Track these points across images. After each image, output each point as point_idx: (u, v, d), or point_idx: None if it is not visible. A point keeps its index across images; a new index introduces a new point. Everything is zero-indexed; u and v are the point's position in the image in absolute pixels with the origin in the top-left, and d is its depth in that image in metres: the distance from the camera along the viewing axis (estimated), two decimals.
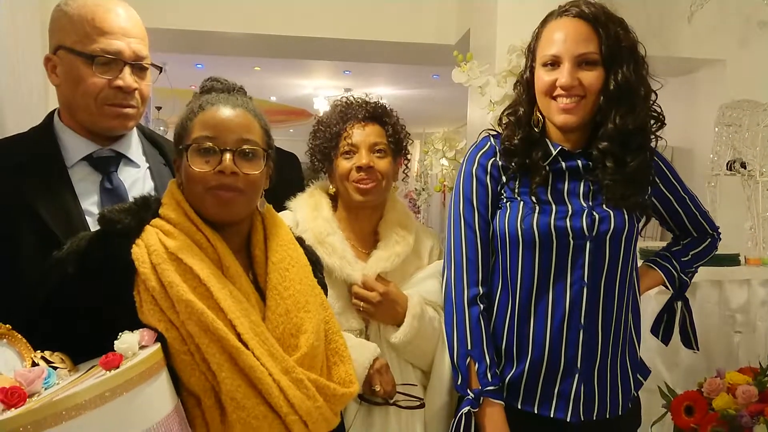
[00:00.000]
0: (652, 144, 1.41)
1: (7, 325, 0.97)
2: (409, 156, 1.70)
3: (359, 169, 1.52)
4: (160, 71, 1.36)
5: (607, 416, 1.39)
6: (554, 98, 1.34)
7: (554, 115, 1.35)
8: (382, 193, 1.57)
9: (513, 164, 1.39)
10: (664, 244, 1.68)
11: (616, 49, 1.32)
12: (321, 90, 7.70)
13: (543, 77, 1.35)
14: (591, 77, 1.32)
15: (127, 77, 1.26)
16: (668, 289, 1.61)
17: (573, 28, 1.33)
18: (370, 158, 1.52)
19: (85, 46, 1.23)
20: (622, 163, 1.34)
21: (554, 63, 1.34)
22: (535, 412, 1.38)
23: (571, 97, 1.32)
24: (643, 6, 3.07)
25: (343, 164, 1.54)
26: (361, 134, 1.55)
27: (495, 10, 2.61)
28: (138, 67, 1.29)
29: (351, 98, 1.62)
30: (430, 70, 6.03)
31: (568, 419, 1.36)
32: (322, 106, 7.85)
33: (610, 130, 1.33)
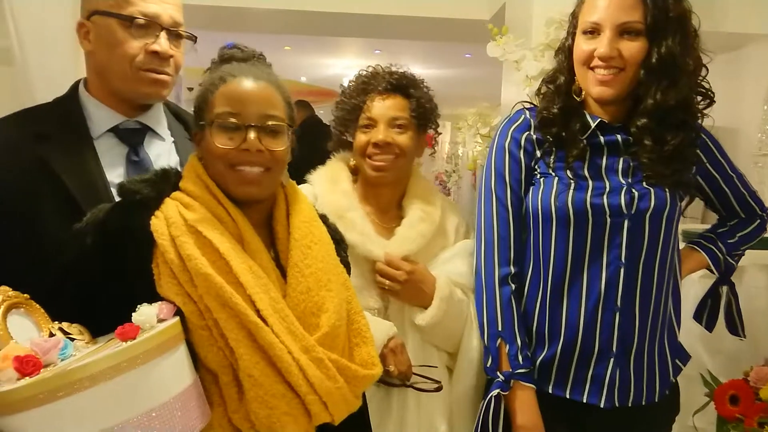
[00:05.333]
0: (698, 121, 1.33)
1: (25, 295, 0.96)
2: (440, 130, 1.64)
3: (375, 145, 1.46)
4: (195, 41, 1.32)
5: (643, 402, 1.33)
6: (592, 68, 1.28)
7: (590, 87, 1.30)
8: (401, 168, 1.50)
9: (549, 136, 1.34)
10: (706, 226, 1.60)
11: (663, 19, 1.24)
12: (351, 69, 7.65)
13: (581, 46, 1.29)
14: (632, 48, 1.25)
15: (163, 42, 1.23)
16: (712, 272, 1.53)
17: None
18: (387, 133, 1.46)
19: (122, 9, 1.21)
20: (661, 141, 1.27)
21: (594, 31, 1.27)
22: (567, 396, 1.33)
23: (609, 68, 1.26)
24: None
25: (360, 138, 1.49)
26: (381, 107, 1.49)
27: None
28: (174, 35, 1.27)
29: (377, 68, 1.55)
30: (462, 49, 5.89)
31: (602, 405, 1.31)
32: None
33: (649, 106, 1.27)
